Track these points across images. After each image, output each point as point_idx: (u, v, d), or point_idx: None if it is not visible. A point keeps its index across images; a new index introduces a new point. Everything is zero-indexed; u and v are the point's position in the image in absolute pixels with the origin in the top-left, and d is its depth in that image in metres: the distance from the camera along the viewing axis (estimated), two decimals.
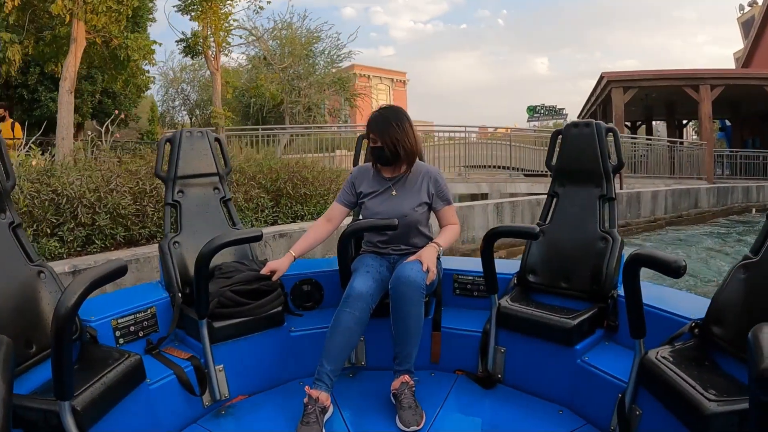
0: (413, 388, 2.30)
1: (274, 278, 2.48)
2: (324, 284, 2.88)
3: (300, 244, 2.60)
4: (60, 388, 1.54)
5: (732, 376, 1.77)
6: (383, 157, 2.54)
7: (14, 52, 9.88)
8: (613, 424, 2.05)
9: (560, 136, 2.81)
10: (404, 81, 46.72)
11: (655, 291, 2.40)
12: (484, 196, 13.28)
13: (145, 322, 2.38)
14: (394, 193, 2.60)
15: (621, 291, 2.44)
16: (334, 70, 19.45)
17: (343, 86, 19.16)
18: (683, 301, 2.37)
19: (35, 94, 15.39)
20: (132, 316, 2.33)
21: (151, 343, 2.37)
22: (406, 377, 2.31)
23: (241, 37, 14.38)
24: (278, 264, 2.51)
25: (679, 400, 1.65)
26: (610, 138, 2.71)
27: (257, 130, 14.58)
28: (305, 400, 2.17)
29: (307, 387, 2.21)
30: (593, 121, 2.73)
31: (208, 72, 16.49)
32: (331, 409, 2.26)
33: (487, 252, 2.38)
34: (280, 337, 2.54)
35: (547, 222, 2.75)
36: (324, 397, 2.19)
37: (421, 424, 2.18)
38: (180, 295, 2.47)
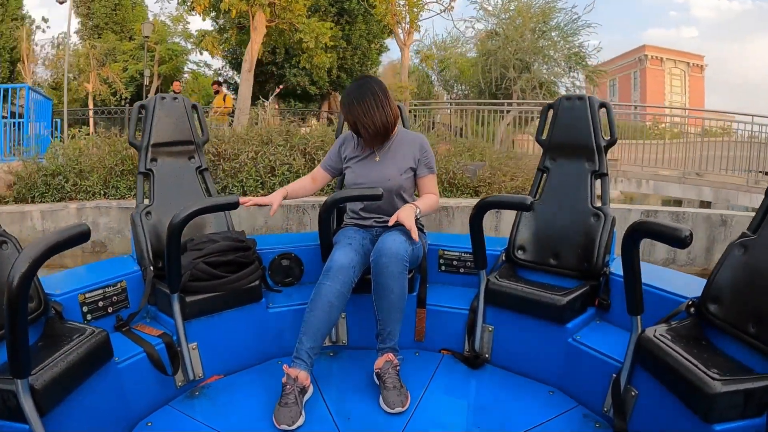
0: (398, 368, 2.20)
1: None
2: (304, 259, 2.76)
3: (291, 186, 2.58)
4: (15, 365, 1.42)
5: (732, 357, 1.71)
6: (362, 134, 2.48)
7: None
8: (606, 406, 1.98)
9: (551, 110, 2.72)
10: (701, 66, 43.32)
11: (648, 269, 2.33)
12: (706, 205, 10.25)
13: (115, 297, 2.24)
14: (377, 159, 2.52)
15: (613, 269, 2.37)
16: (568, 46, 17.60)
17: (580, 62, 17.46)
18: (677, 280, 2.30)
19: (282, 69, 18.13)
20: (101, 291, 2.19)
21: (121, 319, 2.23)
22: (390, 356, 2.22)
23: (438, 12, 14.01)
24: (270, 197, 2.42)
25: (682, 379, 1.57)
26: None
27: (479, 105, 13.69)
28: (283, 379, 2.07)
29: (285, 366, 2.11)
30: (586, 94, 2.64)
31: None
32: (311, 390, 2.16)
33: (476, 225, 2.28)
34: (257, 314, 2.42)
35: (536, 198, 2.65)
36: (303, 376, 2.08)
37: (406, 405, 2.09)
38: (152, 268, 2.34)
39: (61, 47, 21.36)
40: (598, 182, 2.56)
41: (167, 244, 2.03)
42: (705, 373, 1.52)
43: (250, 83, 11.22)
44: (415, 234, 2.22)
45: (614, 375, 1.92)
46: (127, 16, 24.06)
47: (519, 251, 2.61)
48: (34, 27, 23.61)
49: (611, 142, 2.56)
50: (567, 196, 2.57)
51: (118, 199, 5.98)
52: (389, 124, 2.45)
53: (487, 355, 2.44)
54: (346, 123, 2.54)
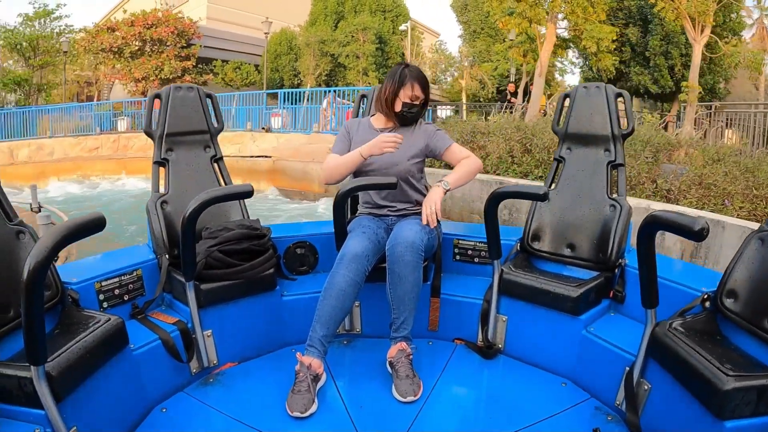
0: (410, 357, 2.21)
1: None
2: (319, 247, 2.77)
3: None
4: (32, 352, 1.44)
5: (746, 352, 1.68)
6: (413, 118, 2.54)
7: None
8: (618, 399, 1.97)
9: (568, 99, 2.68)
10: None
11: (663, 261, 2.31)
12: None
13: (131, 285, 2.27)
14: None
15: (629, 260, 2.35)
16: None
17: None
18: (693, 273, 2.28)
19: (628, 68, 20.64)
20: (117, 279, 2.22)
21: (136, 307, 2.26)
22: (403, 345, 2.22)
23: None
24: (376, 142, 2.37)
25: (695, 374, 1.56)
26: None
27: None
28: (297, 367, 2.09)
29: (298, 354, 2.12)
30: (603, 84, 2.60)
31: None
32: (324, 378, 2.17)
33: (491, 215, 2.26)
34: (271, 302, 2.44)
35: (552, 187, 2.63)
36: (316, 363, 2.10)
37: (419, 394, 2.09)
38: (167, 256, 2.36)
39: (438, 51, 28.64)
40: (614, 173, 2.53)
41: (182, 232, 2.05)
42: (718, 368, 1.50)
43: (541, 86, 13.58)
44: (435, 219, 2.26)
45: (627, 368, 1.90)
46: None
47: (534, 241, 2.59)
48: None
49: (629, 132, 2.53)
50: (583, 186, 2.54)
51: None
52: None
53: (500, 346, 2.44)
54: (405, 105, 2.49)
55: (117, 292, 2.21)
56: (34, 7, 26.60)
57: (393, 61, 25.11)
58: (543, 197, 2.17)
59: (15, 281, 1.77)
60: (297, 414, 1.96)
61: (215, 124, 2.76)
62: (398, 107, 2.47)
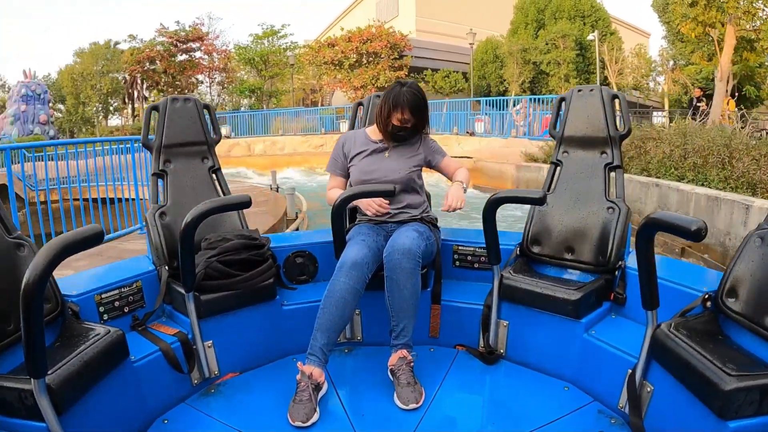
0: (411, 364, 2.20)
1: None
2: (318, 256, 2.77)
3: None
4: (32, 365, 1.43)
5: (748, 351, 1.68)
6: (403, 138, 2.56)
7: None
8: (621, 402, 1.96)
9: (564, 102, 2.69)
10: None
11: (664, 262, 2.30)
12: None
13: (131, 297, 2.27)
14: (386, 154, 2.58)
15: (629, 262, 2.35)
16: None
17: None
18: (693, 273, 2.28)
19: None
20: (116, 291, 2.22)
21: (137, 318, 2.26)
22: (404, 352, 2.22)
23: None
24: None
25: (697, 374, 1.55)
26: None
27: None
28: (298, 376, 2.08)
29: (299, 363, 2.12)
30: (598, 86, 2.61)
31: None
32: (325, 386, 2.16)
33: (489, 220, 2.26)
34: (271, 312, 2.43)
35: (550, 191, 2.63)
36: (317, 372, 2.09)
37: (421, 402, 2.09)
38: (167, 268, 2.36)
39: (638, 55, 27.73)
40: (612, 175, 2.53)
41: (180, 243, 2.05)
42: (720, 368, 1.50)
43: (722, 93, 14.14)
44: (462, 204, 2.41)
45: (630, 370, 1.90)
46: None
47: (533, 246, 2.59)
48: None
49: (626, 134, 2.53)
50: (581, 189, 2.54)
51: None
52: (427, 126, 2.63)
53: (501, 351, 2.43)
54: (393, 127, 2.51)
55: (117, 304, 2.21)
56: (263, 28, 32.58)
57: (594, 66, 25.23)
58: (540, 201, 2.17)
59: (15, 294, 1.76)
60: (299, 423, 1.95)
61: (213, 135, 2.77)
62: (389, 127, 2.51)
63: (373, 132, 2.64)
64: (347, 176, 2.67)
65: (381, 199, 2.43)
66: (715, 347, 1.64)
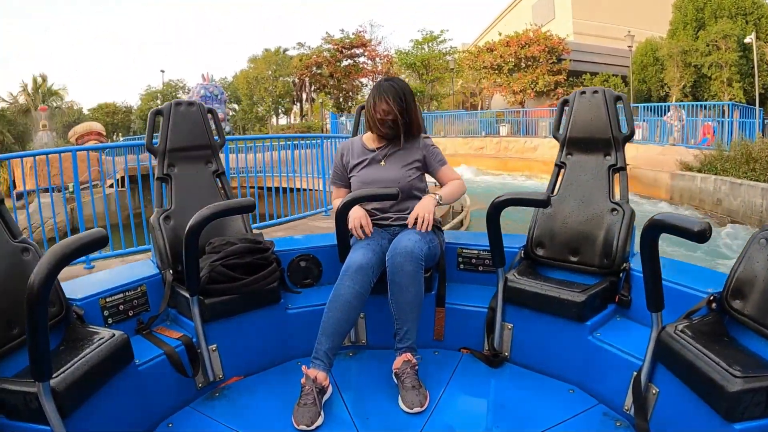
0: (416, 367, 2.20)
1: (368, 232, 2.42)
2: (322, 260, 2.77)
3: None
4: (36, 369, 1.44)
5: (754, 353, 1.66)
6: (392, 131, 2.51)
7: None
8: (627, 404, 1.95)
9: (567, 105, 2.69)
10: None
11: (668, 264, 2.29)
12: None
13: (135, 301, 2.27)
14: (382, 163, 2.56)
15: (633, 264, 2.34)
16: None
17: None
18: (699, 274, 2.26)
19: None
20: (121, 295, 2.23)
21: (141, 322, 2.26)
22: (408, 355, 2.21)
23: None
24: (359, 216, 2.44)
25: (702, 376, 1.54)
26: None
27: None
28: (302, 380, 2.08)
29: (304, 367, 2.12)
30: (602, 88, 2.61)
31: None
32: (330, 390, 2.16)
33: (493, 223, 2.26)
34: (276, 315, 2.43)
35: (554, 193, 2.62)
36: (322, 376, 2.09)
37: (425, 405, 2.08)
38: (171, 272, 2.36)
39: None
40: (616, 177, 2.52)
41: (185, 247, 2.06)
42: (726, 370, 1.49)
43: None
44: (429, 225, 2.32)
45: (635, 373, 1.89)
46: None
47: (537, 248, 2.58)
48: None
49: (629, 135, 2.53)
50: (585, 191, 2.54)
51: None
52: (420, 128, 2.59)
53: (506, 354, 2.42)
54: (378, 120, 2.51)
55: (121, 307, 2.21)
56: (422, 34, 34.67)
57: (761, 69, 22.63)
58: (544, 203, 2.17)
59: (20, 298, 1.77)
60: (303, 427, 1.95)
61: (216, 139, 2.78)
62: (376, 123, 2.50)
63: (368, 139, 2.63)
64: (349, 186, 2.66)
65: (365, 219, 2.41)
66: (721, 349, 1.63)
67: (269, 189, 7.43)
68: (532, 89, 27.39)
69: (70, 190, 8.25)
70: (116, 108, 43.23)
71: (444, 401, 2.16)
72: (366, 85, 36.76)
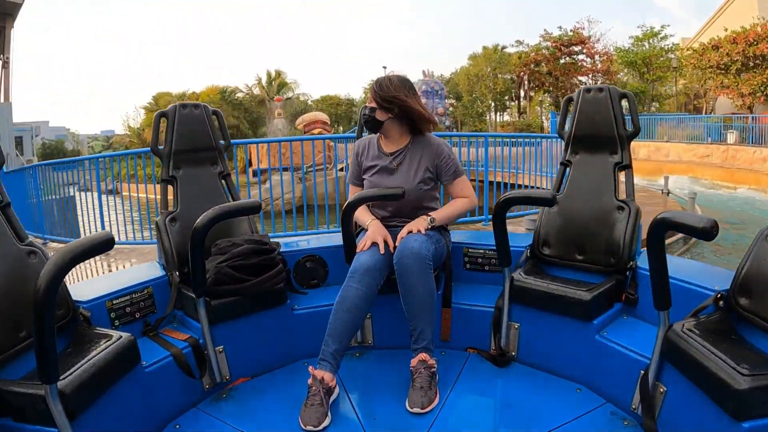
0: (433, 369, 2.19)
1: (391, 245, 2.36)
2: (328, 260, 2.77)
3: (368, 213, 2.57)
4: (44, 371, 1.45)
5: (762, 351, 1.66)
6: (372, 120, 2.48)
7: None
8: (634, 403, 1.94)
9: (572, 102, 2.68)
10: None
11: (675, 262, 2.28)
12: None
13: (142, 303, 2.28)
14: (396, 167, 2.51)
15: (640, 262, 2.33)
16: None
17: None
18: (705, 272, 2.25)
19: None
20: (128, 297, 2.23)
21: (148, 324, 2.27)
22: (424, 355, 2.20)
23: None
24: (381, 231, 2.40)
25: (710, 375, 1.53)
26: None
27: None
28: (309, 381, 2.08)
29: (311, 368, 2.12)
30: (607, 86, 2.59)
31: None
32: (336, 391, 2.16)
33: (499, 222, 2.26)
34: (282, 316, 2.44)
35: (560, 192, 2.61)
36: (329, 377, 2.09)
37: (428, 407, 2.07)
38: (177, 273, 2.37)
39: None
40: (622, 175, 2.52)
41: (191, 248, 2.06)
42: (734, 368, 1.48)
43: None
44: (416, 230, 2.30)
45: (642, 371, 1.88)
46: None
47: (544, 247, 2.57)
48: None
49: (634, 133, 2.52)
50: (591, 189, 2.53)
51: None
52: (423, 120, 2.49)
53: (513, 353, 2.42)
54: (363, 111, 2.52)
55: (128, 309, 2.22)
56: (642, 30, 33.50)
57: None
58: (550, 202, 2.17)
59: (27, 301, 1.79)
60: (310, 428, 1.95)
61: (222, 141, 2.78)
62: (364, 119, 2.52)
63: (386, 143, 2.59)
64: (362, 184, 2.65)
65: (385, 236, 2.37)
66: (728, 347, 1.62)
67: (491, 183, 7.49)
68: (762, 92, 23.77)
69: (302, 171, 9.59)
70: (339, 100, 44.29)
71: (451, 401, 2.16)
72: (585, 84, 33.09)
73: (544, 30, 36.91)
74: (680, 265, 2.24)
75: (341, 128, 41.39)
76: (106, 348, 1.74)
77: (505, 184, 7.72)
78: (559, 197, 2.57)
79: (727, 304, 1.82)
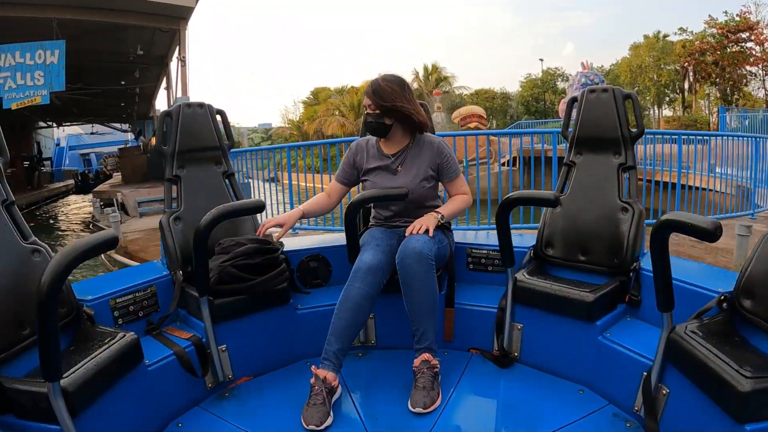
0: (435, 369, 2.19)
1: (282, 232, 2.40)
2: (332, 260, 2.77)
3: (308, 203, 2.58)
4: (47, 369, 1.45)
5: (765, 353, 1.64)
6: (380, 126, 2.46)
7: None
8: (637, 405, 1.93)
9: (576, 103, 2.67)
10: None
11: (678, 264, 2.28)
12: None
13: (145, 302, 2.29)
14: (399, 168, 2.50)
15: (643, 263, 2.32)
16: None
17: None
18: (707, 274, 2.25)
19: None
20: (131, 296, 2.24)
21: (151, 323, 2.28)
22: (427, 355, 2.20)
23: None
24: (285, 217, 2.44)
25: (713, 377, 1.53)
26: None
27: None
28: (312, 380, 2.08)
29: (313, 367, 2.12)
30: (611, 86, 2.59)
31: None
32: (339, 390, 2.17)
33: (502, 222, 2.25)
34: (285, 316, 2.44)
35: (563, 193, 2.61)
36: (331, 377, 2.09)
37: (432, 407, 2.07)
38: (181, 272, 2.38)
39: None
40: (626, 175, 2.51)
41: (194, 247, 2.07)
42: (737, 370, 1.47)
43: None
44: (428, 232, 2.26)
45: (645, 373, 1.87)
46: None
47: (547, 248, 2.57)
48: None
49: (638, 134, 2.51)
50: (594, 190, 2.52)
51: None
52: (421, 123, 2.47)
53: (516, 354, 2.41)
54: (364, 117, 2.51)
55: (131, 308, 2.23)
56: None
57: None
58: (554, 203, 2.16)
59: (30, 299, 1.79)
60: (313, 427, 1.96)
61: (226, 140, 2.79)
62: (363, 122, 2.51)
63: (386, 145, 2.57)
64: (349, 186, 2.63)
65: (282, 222, 2.40)
66: (732, 349, 1.61)
67: (657, 183, 7.12)
68: None
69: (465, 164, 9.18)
70: (494, 93, 42.80)
71: (453, 401, 2.16)
72: (755, 75, 32.10)
73: (709, 15, 33.69)
74: (684, 267, 2.23)
75: (495, 123, 39.40)
76: (109, 346, 1.75)
77: (673, 184, 7.12)
78: (562, 198, 2.56)
79: (731, 306, 1.81)
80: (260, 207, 2.18)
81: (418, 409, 2.04)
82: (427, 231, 2.28)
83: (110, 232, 1.52)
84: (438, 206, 2.53)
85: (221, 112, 2.80)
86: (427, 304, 2.22)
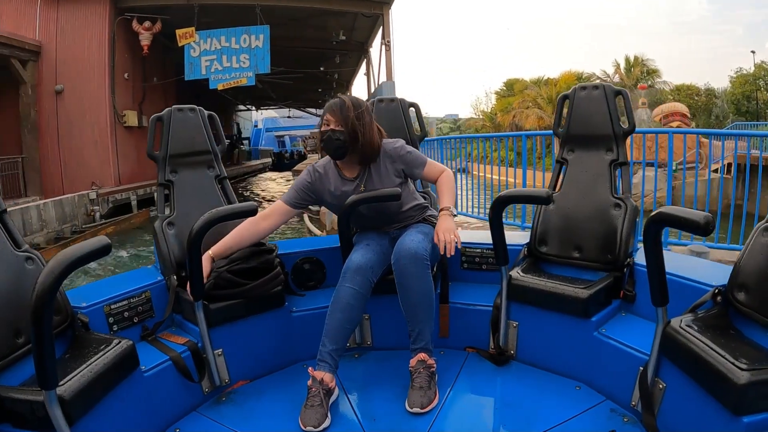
0: (432, 368, 2.19)
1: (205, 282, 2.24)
2: (326, 262, 2.77)
3: (219, 246, 2.36)
4: (42, 377, 1.44)
5: (760, 345, 1.65)
6: (341, 146, 2.31)
7: None
8: (634, 400, 1.95)
9: (567, 101, 2.68)
10: None
11: (672, 258, 2.29)
12: None
13: (140, 308, 2.27)
14: (362, 189, 2.41)
15: (637, 259, 2.33)
16: None
17: None
18: (703, 268, 2.26)
19: None
20: (126, 302, 2.23)
21: (146, 329, 2.26)
22: (423, 355, 2.21)
23: None
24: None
25: (709, 370, 1.54)
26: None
27: None
28: (309, 382, 2.08)
29: (310, 369, 2.12)
30: (602, 83, 2.60)
31: None
32: (336, 391, 2.16)
33: (496, 221, 2.26)
34: (281, 319, 2.44)
35: (556, 190, 2.62)
36: (328, 378, 2.09)
37: (429, 407, 2.07)
38: (175, 277, 2.37)
39: None
40: (618, 172, 2.52)
41: (188, 252, 2.06)
42: (732, 363, 1.49)
43: None
44: (453, 248, 2.19)
45: (641, 368, 1.88)
46: None
47: (541, 245, 2.57)
48: None
49: (629, 130, 2.52)
50: (587, 187, 2.53)
51: None
52: (376, 146, 2.39)
53: (512, 352, 2.42)
54: (323, 136, 2.36)
55: (126, 314, 2.22)
56: None
57: None
58: (546, 200, 2.17)
59: (25, 307, 1.78)
60: (311, 428, 1.95)
61: (218, 144, 2.78)
62: (323, 140, 2.36)
63: (345, 167, 2.46)
64: (300, 208, 2.53)
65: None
66: (727, 342, 1.63)
67: None
68: None
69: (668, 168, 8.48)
70: (698, 90, 37.38)
71: (450, 401, 2.16)
72: None
73: None
74: (678, 261, 2.25)
75: (696, 123, 33.65)
76: (104, 353, 1.74)
77: None
78: (555, 195, 2.57)
79: (725, 300, 1.82)
80: (252, 211, 2.17)
81: (416, 409, 2.05)
82: (421, 233, 2.29)
83: (104, 240, 1.51)
84: (419, 202, 2.52)
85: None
86: (423, 305, 2.22)
